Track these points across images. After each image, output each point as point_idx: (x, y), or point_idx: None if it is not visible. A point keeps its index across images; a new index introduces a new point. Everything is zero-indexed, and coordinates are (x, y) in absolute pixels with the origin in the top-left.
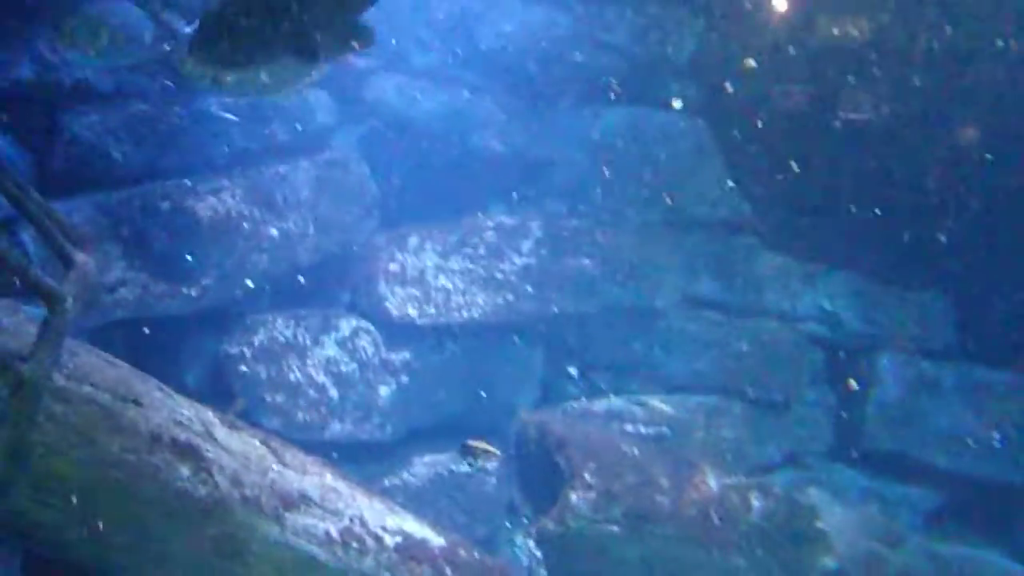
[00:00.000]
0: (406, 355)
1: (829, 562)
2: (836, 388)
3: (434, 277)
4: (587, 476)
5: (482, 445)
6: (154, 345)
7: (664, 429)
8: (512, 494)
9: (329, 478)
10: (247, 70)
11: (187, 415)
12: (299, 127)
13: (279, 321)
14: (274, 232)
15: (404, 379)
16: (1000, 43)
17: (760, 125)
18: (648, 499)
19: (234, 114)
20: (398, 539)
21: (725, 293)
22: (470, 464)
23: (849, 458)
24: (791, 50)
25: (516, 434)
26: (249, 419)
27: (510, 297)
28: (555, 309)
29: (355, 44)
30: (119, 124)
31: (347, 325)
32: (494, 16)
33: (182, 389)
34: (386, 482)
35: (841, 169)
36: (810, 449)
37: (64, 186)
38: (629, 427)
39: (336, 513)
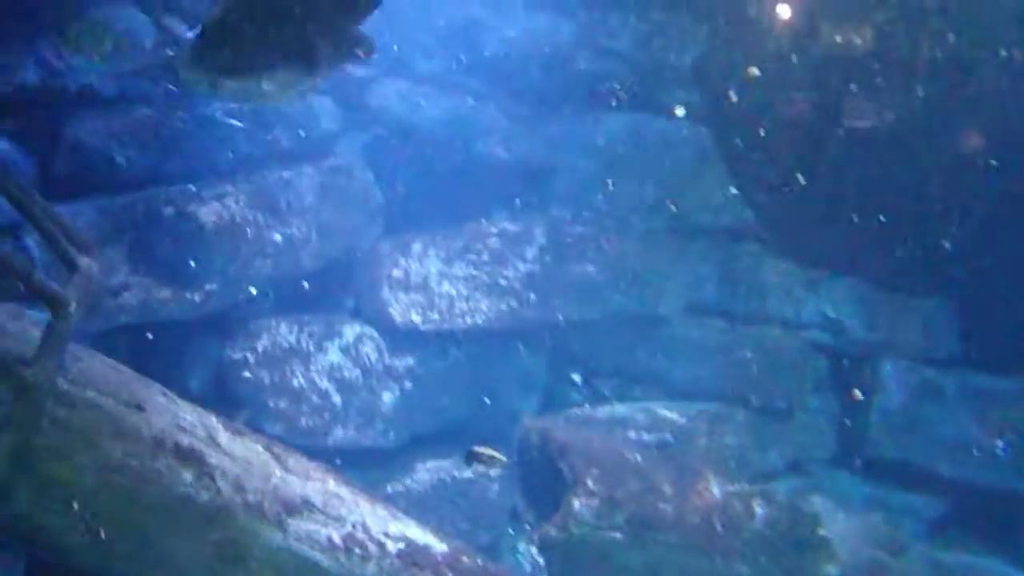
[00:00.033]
0: (409, 361)
1: (832, 570)
2: (839, 395)
3: (438, 283)
4: (590, 483)
5: (488, 451)
6: (157, 350)
7: (667, 436)
8: (515, 500)
9: (332, 484)
10: (248, 77)
11: (190, 420)
12: (303, 133)
13: (283, 326)
14: (278, 238)
15: (407, 385)
16: (1003, 52)
17: (763, 133)
18: (651, 506)
19: (238, 120)
20: (401, 545)
21: (729, 300)
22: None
23: (852, 466)
24: (794, 58)
25: (519, 440)
26: (252, 424)
27: (514, 303)
28: (559, 316)
29: (357, 52)
30: (123, 129)
31: (351, 331)
32: (497, 22)
33: (185, 394)
34: (389, 488)
35: (845, 177)
36: (813, 456)
37: (68, 191)
38: (632, 434)
39: (339, 519)
